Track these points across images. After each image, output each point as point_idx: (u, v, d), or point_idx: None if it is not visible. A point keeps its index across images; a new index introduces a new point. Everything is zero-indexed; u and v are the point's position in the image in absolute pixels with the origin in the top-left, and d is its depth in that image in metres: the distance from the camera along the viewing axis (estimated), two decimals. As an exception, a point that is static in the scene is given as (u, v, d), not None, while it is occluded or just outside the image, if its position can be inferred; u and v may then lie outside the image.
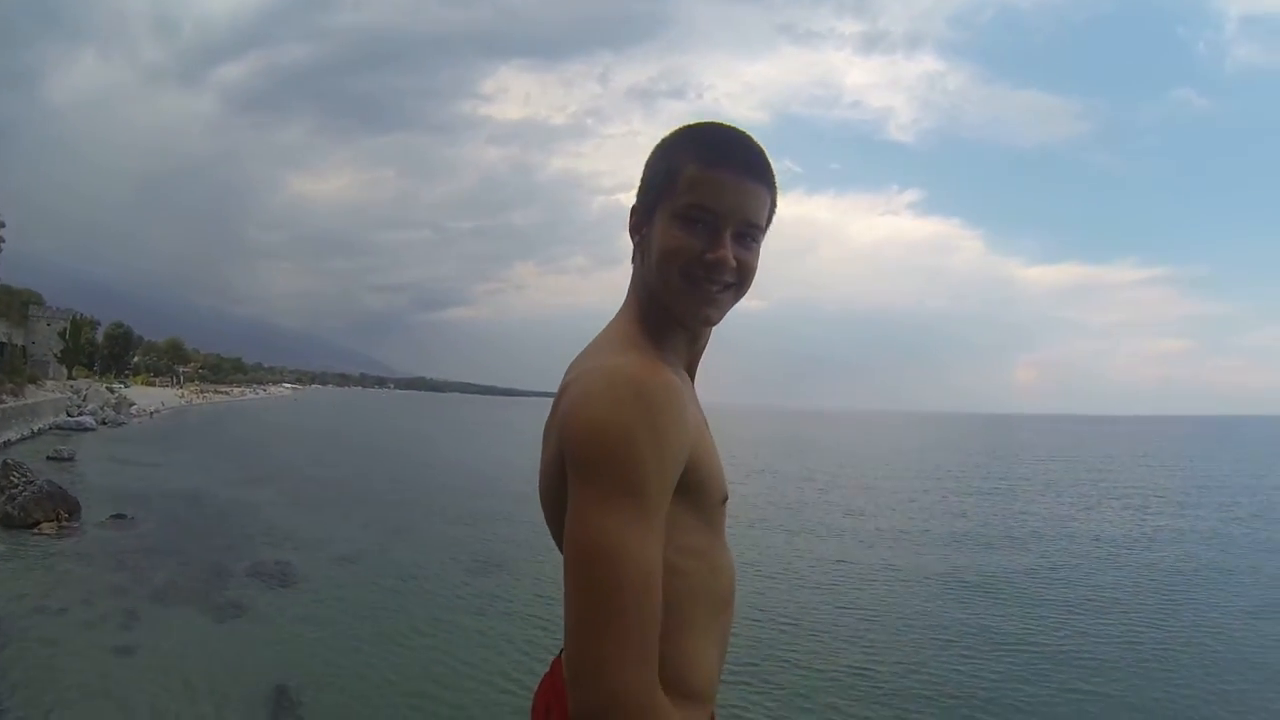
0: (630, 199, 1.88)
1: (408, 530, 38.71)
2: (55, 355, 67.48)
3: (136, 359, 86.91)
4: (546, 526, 2.29)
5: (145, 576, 24.88)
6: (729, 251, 1.64)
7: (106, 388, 61.29)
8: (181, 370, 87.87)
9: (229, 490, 38.91)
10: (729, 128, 1.70)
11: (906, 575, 42.15)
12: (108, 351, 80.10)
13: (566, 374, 1.98)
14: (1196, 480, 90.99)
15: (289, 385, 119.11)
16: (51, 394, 50.99)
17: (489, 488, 56.71)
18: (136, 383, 76.04)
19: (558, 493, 1.77)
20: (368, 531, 36.77)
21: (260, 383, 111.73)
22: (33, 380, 54.01)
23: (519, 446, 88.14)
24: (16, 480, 29.12)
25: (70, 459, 37.75)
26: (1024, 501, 71.76)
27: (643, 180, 1.80)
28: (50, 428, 44.72)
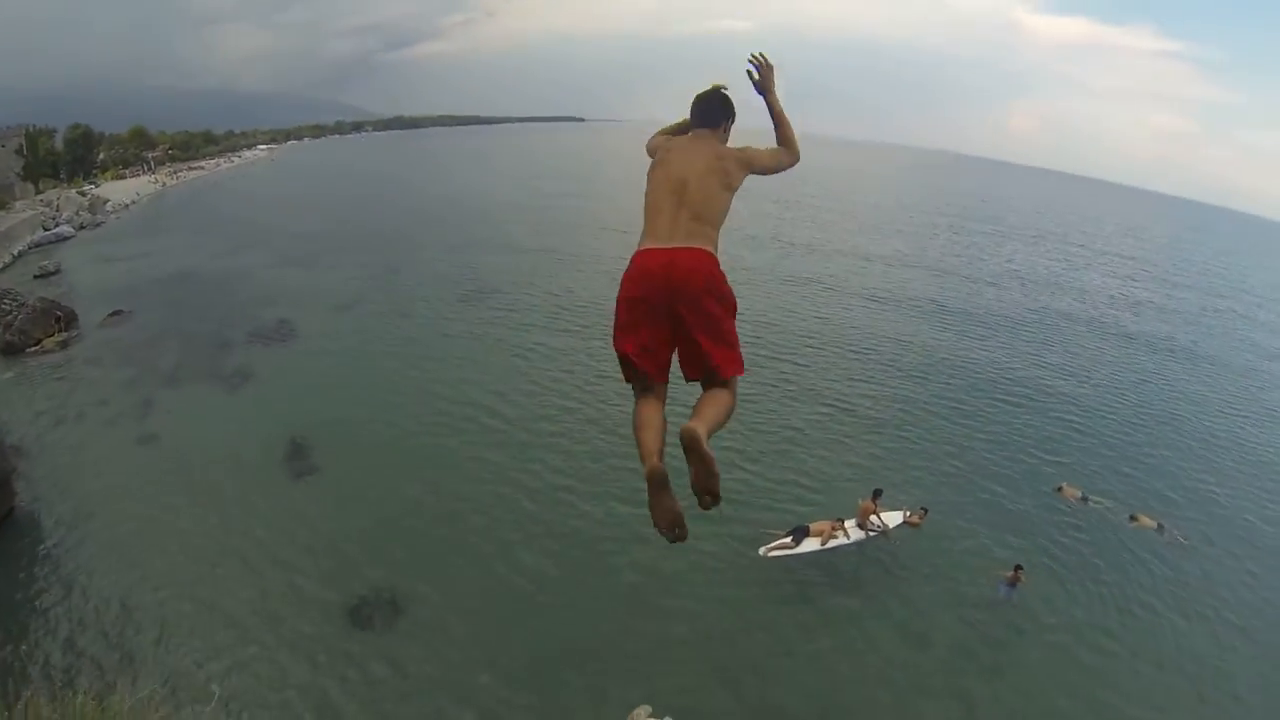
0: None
1: (398, 270, 38.06)
2: (17, 174, 63.72)
3: (102, 156, 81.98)
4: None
5: (153, 365, 24.63)
6: None
7: (77, 192, 58.14)
8: (150, 156, 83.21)
9: (218, 263, 37.81)
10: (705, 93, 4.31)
11: (885, 301, 41.60)
12: (70, 156, 75.45)
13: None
14: (1182, 263, 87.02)
15: (264, 147, 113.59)
16: (22, 214, 48.41)
17: (471, 218, 55.97)
18: (106, 179, 72.13)
19: None
20: (360, 277, 36.09)
21: (234, 150, 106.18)
22: (0, 206, 51.45)
23: (497, 175, 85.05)
24: (9, 306, 28.13)
25: (56, 271, 36.43)
26: (1013, 248, 71.81)
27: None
28: (29, 247, 42.71)
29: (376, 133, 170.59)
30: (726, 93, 4.37)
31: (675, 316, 3.66)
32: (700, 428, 3.43)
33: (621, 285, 3.79)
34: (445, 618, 14.40)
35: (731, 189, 4.05)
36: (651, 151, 4.34)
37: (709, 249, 3.78)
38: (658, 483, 3.49)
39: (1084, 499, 21.88)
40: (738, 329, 3.78)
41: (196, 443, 19.73)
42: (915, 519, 19.10)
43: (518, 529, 17.25)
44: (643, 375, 3.73)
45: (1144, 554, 19.67)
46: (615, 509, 18.45)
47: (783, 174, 4.30)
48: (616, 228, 55.19)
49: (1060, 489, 22.37)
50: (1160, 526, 20.91)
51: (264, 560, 15.42)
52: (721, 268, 3.77)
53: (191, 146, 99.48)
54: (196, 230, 46.29)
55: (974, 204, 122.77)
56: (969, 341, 35.37)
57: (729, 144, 4.30)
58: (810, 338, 32.43)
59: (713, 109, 4.32)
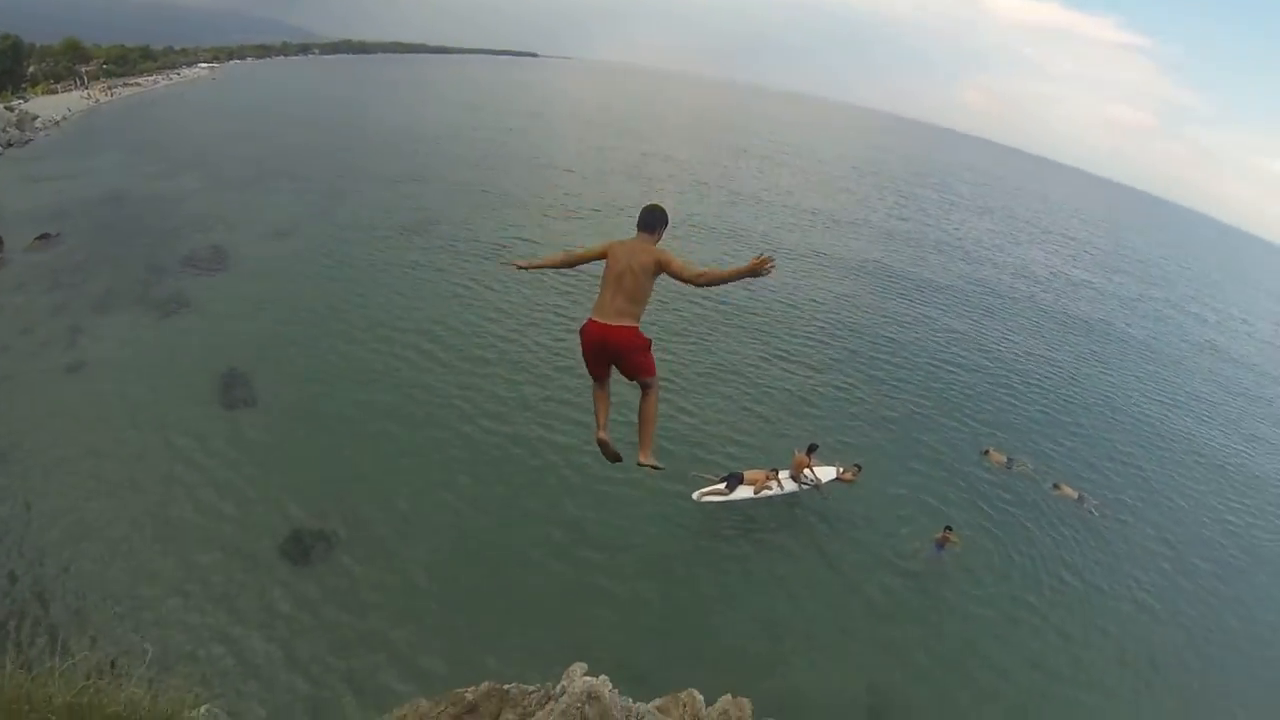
0: None
1: (339, 197, 37.11)
2: (-63, 87, 60.06)
3: (31, 69, 77.46)
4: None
5: (82, 290, 23.81)
6: None
7: (4, 107, 55.02)
8: (84, 70, 78.91)
9: (153, 185, 36.23)
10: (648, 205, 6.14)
11: (831, 259, 41.81)
12: (-2, 70, 71.26)
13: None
14: (1125, 249, 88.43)
15: (205, 65, 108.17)
16: (-59, 129, 46.02)
17: (417, 148, 54.32)
18: (36, 94, 68.30)
19: None
20: (298, 203, 35.12)
21: (173, 67, 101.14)
22: (-82, 119, 48.55)
23: (446, 106, 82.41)
24: (-70, 234, 26.83)
25: (-21, 191, 34.67)
26: (960, 218, 72.35)
27: None
28: (-47, 167, 40.52)
29: (324, 55, 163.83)
30: (663, 208, 6.14)
31: (614, 359, 5.87)
32: (645, 455, 6.12)
33: (580, 338, 5.89)
34: (380, 551, 14.49)
35: (654, 279, 5.89)
36: (601, 252, 6.13)
37: (633, 325, 5.80)
38: (602, 447, 6.11)
39: (1009, 464, 22.90)
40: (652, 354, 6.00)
41: (128, 371, 19.30)
42: (849, 475, 19.56)
43: (455, 463, 17.36)
44: (597, 377, 6.12)
45: (1064, 524, 20.73)
46: (550, 442, 18.70)
47: (737, 127, 5.38)
48: (561, 165, 54.60)
49: (987, 452, 23.41)
50: (1080, 497, 22.10)
51: (199, 491, 15.26)
52: (641, 332, 5.83)
53: (128, 62, 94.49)
54: (131, 150, 44.30)
55: (926, 169, 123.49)
56: (910, 305, 36.26)
57: (661, 244, 6.06)
58: (753, 290, 32.55)
59: (652, 219, 6.11)
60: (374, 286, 26.03)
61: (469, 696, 7.13)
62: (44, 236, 28.20)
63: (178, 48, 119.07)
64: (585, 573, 14.76)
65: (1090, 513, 21.62)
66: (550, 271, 28.89)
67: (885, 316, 33.38)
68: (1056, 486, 22.26)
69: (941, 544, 17.88)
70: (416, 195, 39.27)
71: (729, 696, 7.90)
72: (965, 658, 15.41)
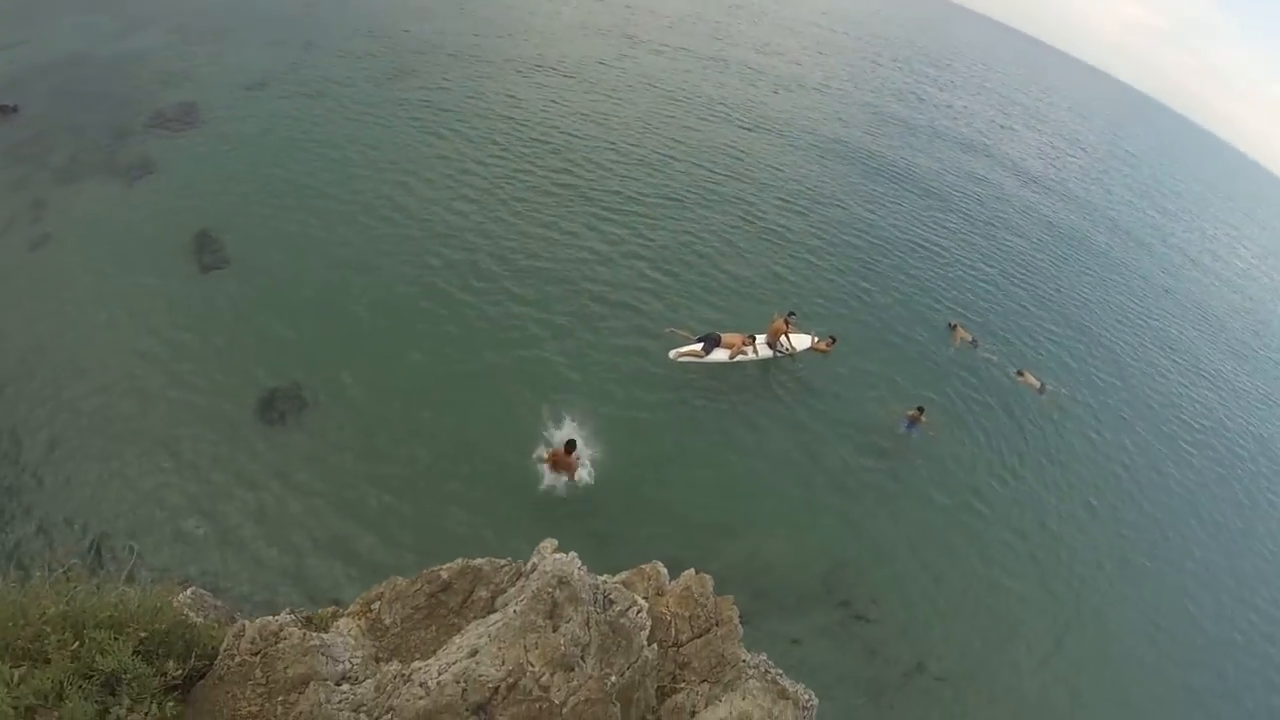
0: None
1: (311, 47, 34.27)
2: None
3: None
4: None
5: (44, 161, 22.12)
6: None
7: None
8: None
9: (113, 45, 33.22)
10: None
11: (819, 134, 39.12)
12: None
13: None
14: (1120, 162, 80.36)
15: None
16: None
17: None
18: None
19: None
20: (270, 54, 32.48)
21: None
22: None
23: None
24: None
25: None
26: (950, 99, 66.93)
27: None
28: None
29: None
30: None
31: None
32: None
33: None
34: (354, 414, 14.17)
35: None
36: None
37: None
38: None
39: (974, 343, 22.86)
40: None
41: (95, 242, 18.12)
42: (824, 345, 19.31)
43: (428, 326, 16.88)
44: None
45: (1026, 414, 21.00)
46: (522, 297, 18.29)
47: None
48: (541, 29, 51.20)
49: (954, 326, 23.28)
50: (1042, 387, 22.13)
51: (171, 361, 14.66)
52: None
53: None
54: (86, 8, 41.00)
55: (924, 46, 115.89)
56: (894, 187, 35.31)
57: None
58: (741, 154, 32.00)
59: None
60: (348, 142, 24.58)
61: (444, 575, 6.97)
62: (1, 109, 26.25)
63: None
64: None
65: (1050, 401, 21.94)
66: (537, 131, 27.43)
67: (868, 195, 32.82)
68: (1020, 373, 22.44)
69: (913, 422, 17.83)
70: (390, 45, 36.70)
71: (691, 571, 7.80)
72: (920, 537, 15.77)
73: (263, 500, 12.19)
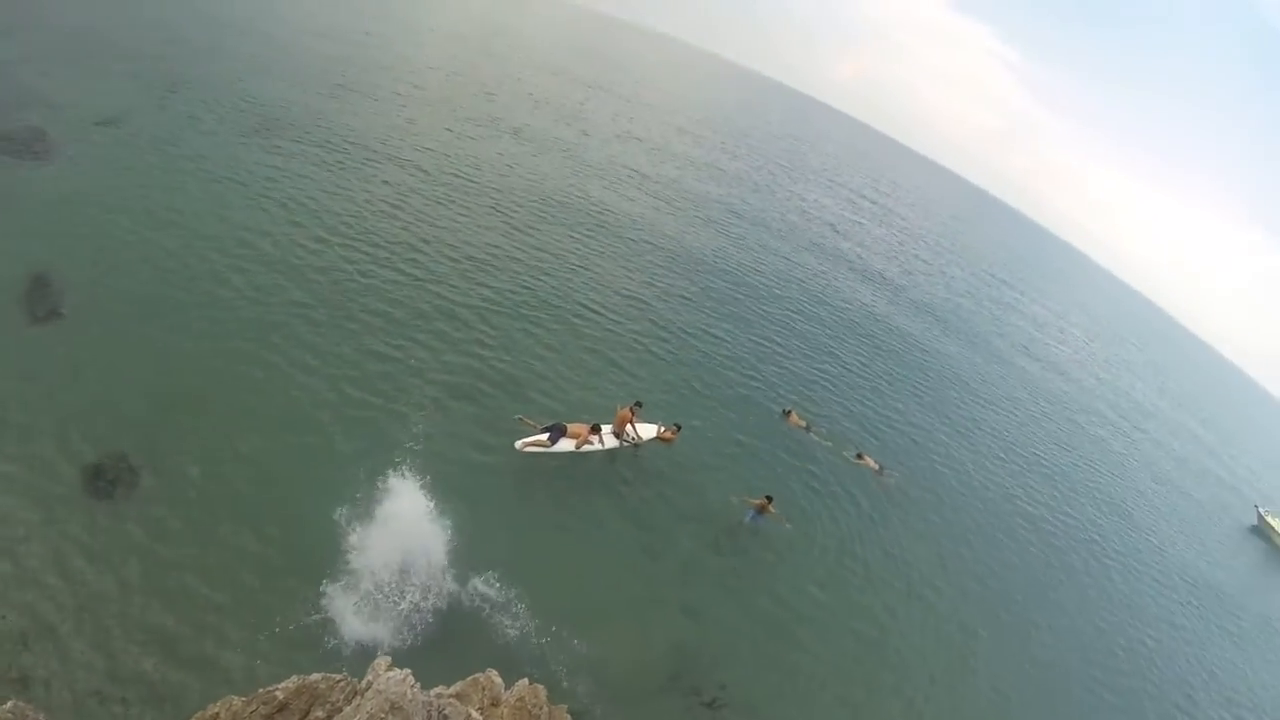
0: None
1: (178, 88, 34.05)
2: None
3: None
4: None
5: None
6: None
7: None
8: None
9: (-40, 53, 31.76)
10: None
11: (670, 225, 41.27)
12: None
13: None
14: (958, 243, 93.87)
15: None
16: None
17: (266, 42, 49.88)
18: None
19: None
20: (133, 88, 32.02)
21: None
22: None
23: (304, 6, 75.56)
24: None
25: None
26: (802, 191, 72.45)
27: None
28: None
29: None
30: None
31: None
32: None
33: None
34: (185, 489, 13.72)
35: None
36: None
37: None
38: None
39: (808, 428, 24.78)
40: None
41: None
42: (669, 435, 20.31)
43: (264, 401, 16.55)
44: None
45: (866, 495, 22.77)
46: (353, 391, 18.08)
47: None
48: (413, 82, 52.78)
49: (789, 413, 25.10)
50: (880, 469, 24.33)
51: None
52: None
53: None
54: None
55: (791, 143, 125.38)
56: (736, 279, 37.50)
57: None
58: (591, 236, 33.67)
59: None
60: (202, 197, 24.41)
61: (279, 695, 7.19)
62: None
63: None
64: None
65: (886, 483, 24.02)
66: (390, 208, 28.33)
67: (708, 290, 34.46)
68: (860, 456, 24.47)
69: (760, 511, 19.07)
70: (259, 95, 36.62)
71: (525, 682, 8.34)
72: (767, 625, 16.47)
73: (86, 589, 11.52)
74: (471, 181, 34.92)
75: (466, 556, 14.21)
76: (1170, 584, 28.81)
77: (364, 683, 7.23)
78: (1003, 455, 31.91)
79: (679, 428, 20.37)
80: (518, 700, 8.06)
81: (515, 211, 33.11)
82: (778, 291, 37.76)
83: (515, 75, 70.88)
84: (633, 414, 19.31)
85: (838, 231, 59.73)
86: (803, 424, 24.64)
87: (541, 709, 8.09)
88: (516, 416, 18.23)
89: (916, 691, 16.77)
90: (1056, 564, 25.55)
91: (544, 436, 17.76)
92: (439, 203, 30.73)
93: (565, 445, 18.06)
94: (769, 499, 18.99)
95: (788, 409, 25.07)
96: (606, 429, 18.97)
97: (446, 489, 15.24)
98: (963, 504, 25.76)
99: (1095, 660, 21.43)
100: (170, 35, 42.68)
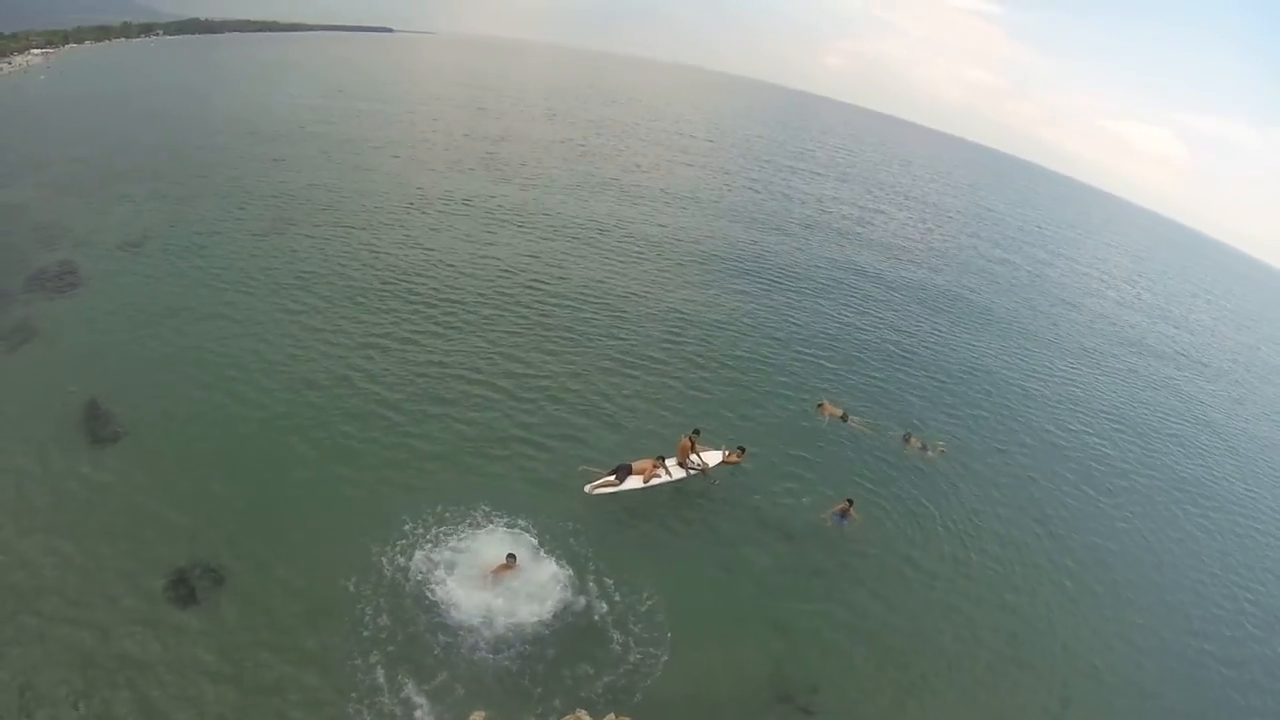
0: None
1: (191, 200, 34.69)
2: None
3: None
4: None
5: (-85, 324, 21.54)
6: None
7: None
8: (-103, 64, 70.22)
9: (-16, 198, 33.07)
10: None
11: (691, 246, 40.81)
12: None
13: None
14: (981, 211, 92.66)
15: (39, 51, 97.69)
16: None
17: (271, 141, 50.86)
18: None
19: None
20: (150, 208, 32.68)
21: (2, 55, 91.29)
22: None
23: (298, 91, 77.09)
24: None
25: None
26: (813, 187, 71.93)
27: None
28: None
29: (168, 36, 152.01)
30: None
31: None
32: None
33: None
34: (270, 582, 13.80)
35: None
36: None
37: None
38: None
39: (844, 417, 24.24)
40: None
41: (-23, 412, 17.58)
42: (734, 458, 20.12)
43: (329, 484, 16.70)
44: None
45: (937, 481, 22.22)
46: (424, 452, 18.32)
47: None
48: (411, 155, 53.30)
49: (821, 405, 24.54)
50: (923, 446, 23.59)
51: (70, 543, 13.98)
52: None
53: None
54: (-46, 159, 40.19)
55: (788, 136, 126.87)
56: (769, 286, 37.05)
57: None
58: (615, 284, 32.94)
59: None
60: (233, 302, 24.68)
61: None
62: None
63: (7, 33, 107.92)
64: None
65: (937, 456, 23.39)
66: (426, 257, 28.48)
67: (744, 299, 34.22)
68: (907, 439, 23.84)
69: (844, 514, 18.73)
70: (270, 194, 37.22)
71: (611, 716, 8.26)
72: (859, 626, 15.96)
73: (189, 683, 11.60)
74: (484, 235, 35.17)
75: (549, 601, 14.18)
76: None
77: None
78: (1063, 411, 30.72)
79: (744, 450, 20.17)
80: (606, 734, 8.07)
81: (528, 260, 33.09)
82: (806, 294, 37.07)
83: (511, 129, 71.03)
84: (693, 442, 19.15)
85: (859, 223, 58.62)
86: (838, 413, 24.09)
87: (630, 740, 8.09)
88: (581, 468, 18.19)
89: (1010, 690, 15.74)
90: (1164, 539, 23.50)
91: (611, 477, 17.75)
92: (443, 274, 30.96)
93: (633, 482, 17.99)
94: (850, 502, 18.73)
95: (820, 401, 24.58)
96: (670, 461, 18.85)
97: (522, 539, 15.40)
98: (1044, 479, 24.52)
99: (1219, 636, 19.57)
100: (167, 152, 43.73)
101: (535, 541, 15.58)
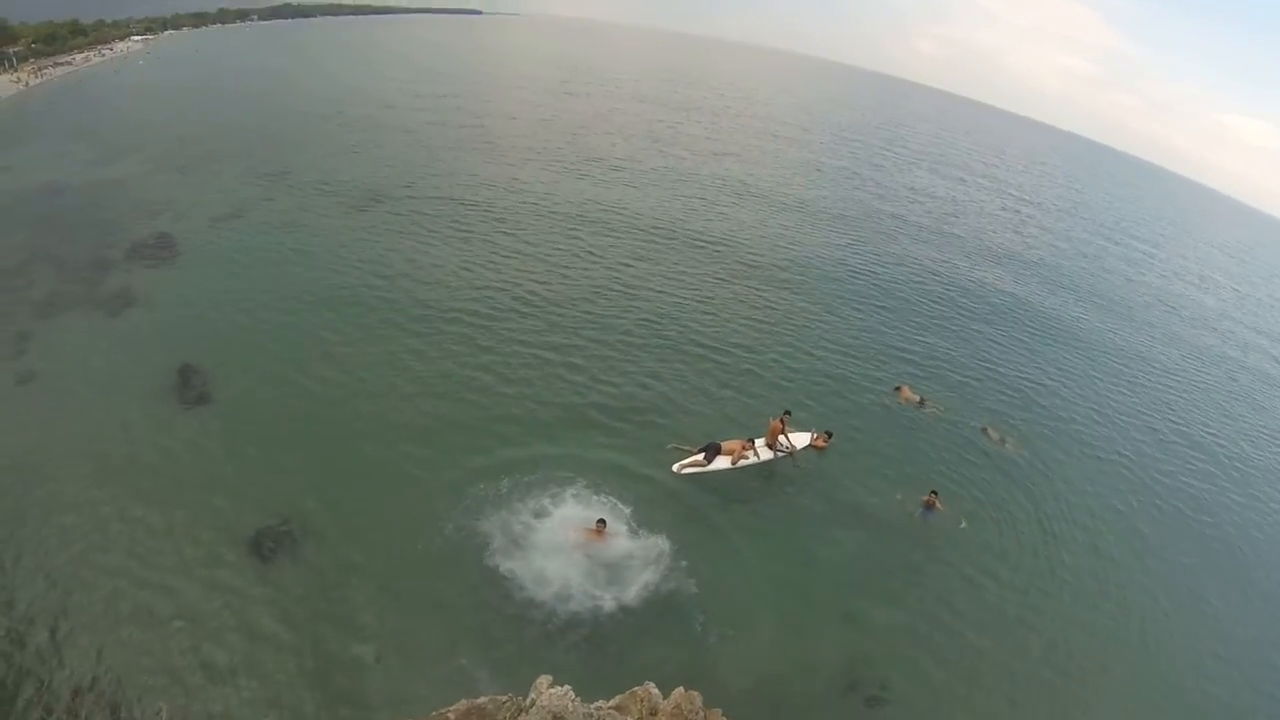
0: None
1: (283, 175, 35.24)
2: None
3: (-45, 53, 72.33)
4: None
5: (24, 294, 22.12)
6: None
7: (-71, 95, 51.27)
8: (11, 51, 73.55)
9: (91, 173, 33.97)
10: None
11: (790, 231, 39.92)
12: (-82, 53, 66.20)
13: None
14: (1073, 201, 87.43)
15: (139, 38, 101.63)
16: None
17: (360, 120, 51.67)
18: (-39, 80, 63.83)
19: None
20: (244, 184, 33.31)
21: (105, 42, 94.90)
22: None
23: (388, 72, 78.18)
24: None
25: (-97, 198, 31.80)
26: (907, 177, 68.07)
27: None
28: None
29: (262, 22, 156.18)
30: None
31: None
32: None
33: None
34: (348, 546, 13.66)
35: None
36: None
37: None
38: None
39: (921, 403, 23.06)
40: None
41: (79, 376, 18.04)
42: (820, 442, 19.34)
43: (409, 456, 16.38)
44: None
45: (1018, 473, 20.73)
46: (525, 421, 17.98)
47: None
48: (497, 139, 52.74)
49: (899, 389, 23.44)
50: (1002, 439, 22.24)
51: (161, 501, 14.15)
52: None
53: (58, 39, 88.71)
54: (66, 136, 41.58)
55: (883, 123, 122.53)
56: (862, 279, 35.18)
57: None
58: (717, 260, 32.46)
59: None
60: (324, 272, 24.81)
61: (451, 716, 7.16)
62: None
63: (109, 21, 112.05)
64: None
65: (1015, 451, 21.87)
66: (513, 238, 28.01)
67: (829, 288, 32.68)
68: (985, 430, 22.55)
69: (929, 506, 17.78)
70: (360, 169, 37.64)
71: (680, 690, 7.88)
72: (933, 621, 14.87)
73: (258, 645, 11.58)
74: (572, 216, 34.70)
75: (623, 574, 13.74)
76: None
77: (528, 700, 7.20)
78: (1157, 416, 28.08)
79: (830, 434, 19.43)
80: (674, 708, 7.77)
81: (615, 244, 32.61)
82: (900, 286, 35.34)
83: (610, 109, 70.85)
84: (783, 424, 18.46)
85: (952, 213, 55.98)
86: (916, 398, 23.04)
87: (697, 714, 7.74)
88: (670, 445, 17.69)
89: (1089, 695, 14.32)
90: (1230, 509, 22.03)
91: (700, 456, 17.19)
92: (531, 254, 30.51)
93: (721, 463, 17.38)
94: (934, 493, 17.78)
95: (898, 385, 23.56)
96: (759, 442, 18.18)
97: (607, 512, 14.89)
98: (1132, 475, 22.72)
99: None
100: (259, 133, 44.67)
101: (627, 512, 15.13)
